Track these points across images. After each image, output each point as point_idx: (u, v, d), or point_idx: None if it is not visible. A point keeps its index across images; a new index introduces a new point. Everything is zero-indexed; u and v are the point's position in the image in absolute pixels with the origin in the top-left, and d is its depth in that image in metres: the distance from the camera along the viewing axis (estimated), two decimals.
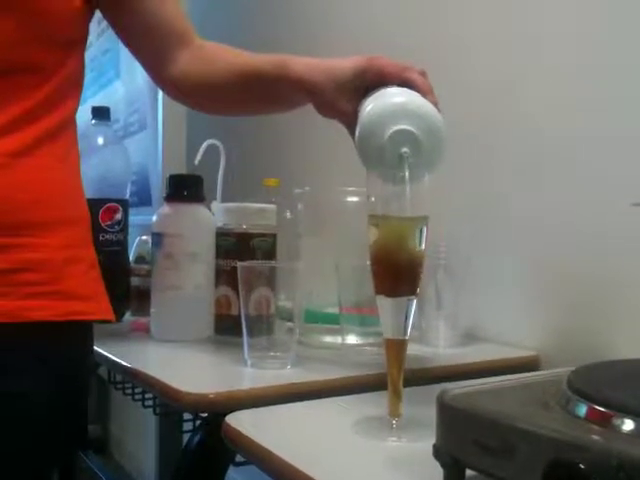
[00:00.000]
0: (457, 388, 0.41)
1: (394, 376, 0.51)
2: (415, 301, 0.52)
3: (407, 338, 0.52)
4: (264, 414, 0.58)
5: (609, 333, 0.80)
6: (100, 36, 2.04)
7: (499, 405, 0.38)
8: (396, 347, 0.51)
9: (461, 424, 0.38)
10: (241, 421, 0.55)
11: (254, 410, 0.58)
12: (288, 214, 1.11)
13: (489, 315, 0.95)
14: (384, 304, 0.51)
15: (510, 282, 0.93)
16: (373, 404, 0.60)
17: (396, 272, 0.52)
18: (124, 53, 1.79)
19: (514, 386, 0.43)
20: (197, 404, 0.63)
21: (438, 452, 0.40)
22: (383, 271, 0.52)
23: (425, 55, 0.92)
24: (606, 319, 0.81)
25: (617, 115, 0.79)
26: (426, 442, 0.43)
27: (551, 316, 0.88)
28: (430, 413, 0.42)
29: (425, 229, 0.53)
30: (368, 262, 0.79)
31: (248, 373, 0.74)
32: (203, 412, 0.66)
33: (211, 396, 0.63)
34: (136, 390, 0.99)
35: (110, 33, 1.86)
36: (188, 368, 0.78)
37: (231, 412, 0.58)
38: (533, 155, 0.90)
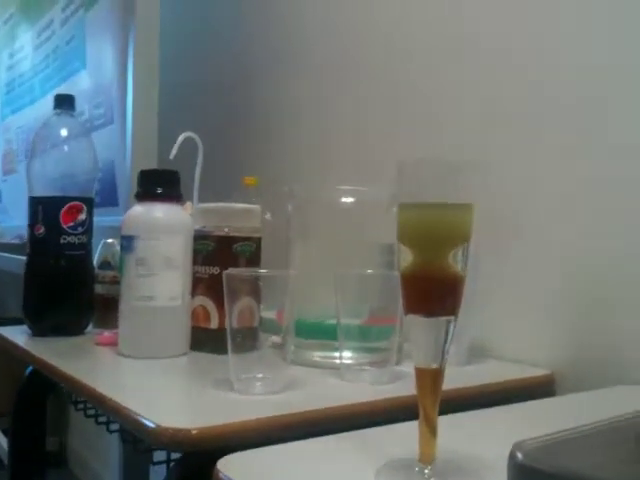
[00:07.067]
0: (529, 440, 0.32)
1: (429, 412, 0.42)
2: (455, 322, 0.42)
3: (444, 367, 0.42)
4: (265, 456, 0.47)
5: (630, 350, 0.73)
6: (64, 24, 1.91)
7: (598, 465, 0.29)
8: (431, 377, 0.42)
9: None
10: (237, 467, 0.45)
11: (252, 451, 0.47)
12: (268, 216, 1.01)
13: (496, 328, 0.87)
14: (418, 326, 0.42)
15: (521, 292, 0.85)
16: (392, 441, 0.50)
17: (434, 282, 0.42)
18: (91, 41, 1.66)
19: (600, 432, 0.33)
20: (179, 442, 0.52)
21: None
22: (419, 282, 0.42)
23: (427, 48, 0.84)
24: (627, 334, 0.73)
25: None
26: None
27: (566, 330, 0.80)
28: (453, 449, 0.33)
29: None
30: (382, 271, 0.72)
31: (234, 400, 0.63)
32: (185, 451, 0.55)
33: (194, 432, 0.53)
34: (100, 411, 0.89)
35: (74, 21, 1.74)
36: (164, 394, 0.67)
37: (218, 450, 0.47)
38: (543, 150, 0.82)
